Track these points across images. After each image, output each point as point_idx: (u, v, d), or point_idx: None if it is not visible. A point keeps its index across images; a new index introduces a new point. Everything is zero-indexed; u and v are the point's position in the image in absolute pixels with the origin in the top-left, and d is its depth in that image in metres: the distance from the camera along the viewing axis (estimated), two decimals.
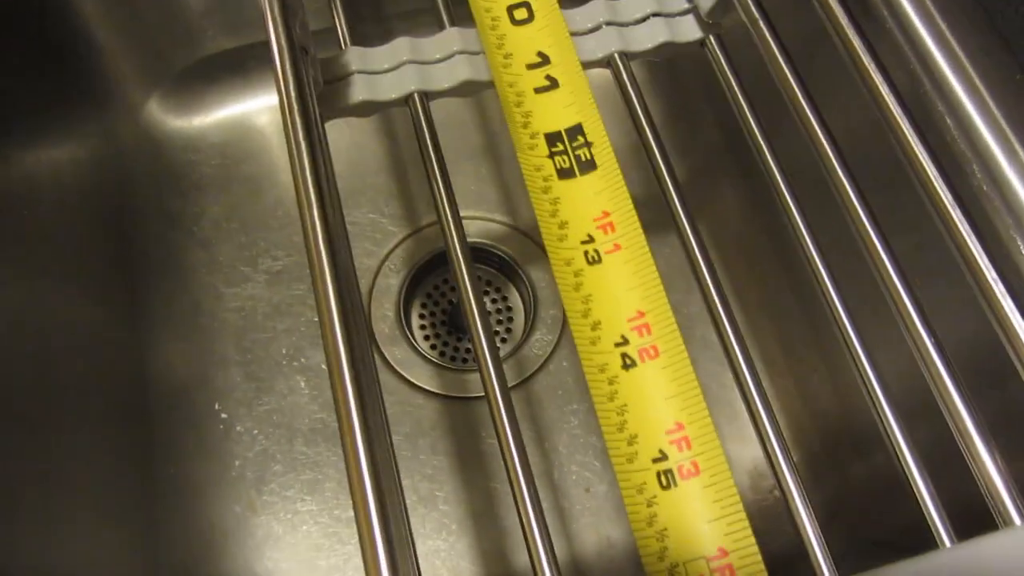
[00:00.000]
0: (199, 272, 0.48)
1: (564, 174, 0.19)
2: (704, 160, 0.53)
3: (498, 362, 0.26)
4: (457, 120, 0.53)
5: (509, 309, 0.50)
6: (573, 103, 0.20)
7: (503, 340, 0.49)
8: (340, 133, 0.52)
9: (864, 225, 0.27)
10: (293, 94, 0.23)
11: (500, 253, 0.50)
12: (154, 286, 0.47)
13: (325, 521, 0.42)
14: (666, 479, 0.17)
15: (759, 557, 0.17)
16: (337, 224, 0.24)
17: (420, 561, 0.42)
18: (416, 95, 0.30)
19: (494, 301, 0.50)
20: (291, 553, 0.42)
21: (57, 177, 0.45)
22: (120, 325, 0.44)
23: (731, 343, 0.28)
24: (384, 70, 0.31)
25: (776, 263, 0.49)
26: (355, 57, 0.31)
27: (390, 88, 0.30)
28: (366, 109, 0.30)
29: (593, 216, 0.18)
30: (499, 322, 0.50)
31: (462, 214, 0.51)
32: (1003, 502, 0.21)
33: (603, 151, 0.19)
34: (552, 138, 0.19)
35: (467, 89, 0.31)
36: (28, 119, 0.43)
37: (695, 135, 0.53)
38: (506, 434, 0.25)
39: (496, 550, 0.42)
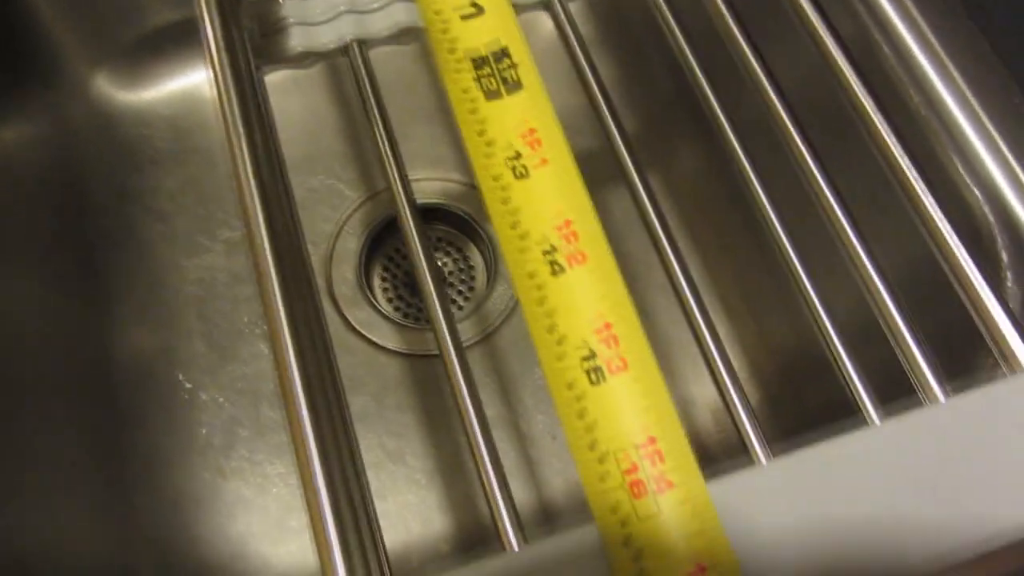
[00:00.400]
0: (158, 245, 0.48)
1: (491, 95, 0.19)
2: (659, 112, 0.53)
3: (449, 315, 0.26)
4: (407, 81, 0.53)
5: (471, 268, 0.50)
6: (498, 27, 0.20)
7: (466, 298, 0.49)
8: (293, 99, 0.52)
9: (808, 164, 0.27)
10: (220, 41, 0.23)
11: (459, 212, 0.50)
12: (112, 262, 0.47)
13: (295, 483, 0.43)
14: (595, 376, 0.18)
15: (686, 442, 0.18)
16: (272, 175, 0.25)
17: (392, 517, 0.43)
18: (355, 44, 0.30)
19: (456, 260, 0.51)
20: (262, 516, 0.42)
21: (6, 159, 0.44)
22: (80, 303, 0.44)
23: (682, 287, 0.29)
24: (321, 21, 0.31)
25: (733, 212, 0.49)
26: (292, 8, 0.31)
27: (327, 37, 0.30)
28: (303, 59, 0.30)
29: (520, 133, 0.19)
30: (461, 280, 0.50)
31: (419, 175, 0.51)
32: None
33: (528, 72, 0.19)
34: (479, 62, 0.20)
35: (405, 35, 0.31)
36: None
37: (647, 86, 0.53)
38: (459, 384, 0.26)
39: (466, 501, 0.42)
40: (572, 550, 0.18)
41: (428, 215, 0.51)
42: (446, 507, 0.42)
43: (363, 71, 0.30)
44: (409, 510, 0.42)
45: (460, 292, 0.50)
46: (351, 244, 0.48)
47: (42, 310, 0.41)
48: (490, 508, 0.25)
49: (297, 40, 0.30)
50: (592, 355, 0.18)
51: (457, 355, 0.26)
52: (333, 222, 0.49)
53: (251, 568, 0.41)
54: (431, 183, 0.51)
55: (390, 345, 0.46)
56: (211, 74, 0.24)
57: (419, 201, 0.51)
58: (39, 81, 0.48)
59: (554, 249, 0.18)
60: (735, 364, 0.29)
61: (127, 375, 0.44)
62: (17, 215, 0.43)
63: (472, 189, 0.51)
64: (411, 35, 0.30)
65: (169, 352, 0.45)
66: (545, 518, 0.42)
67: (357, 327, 0.46)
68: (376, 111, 0.29)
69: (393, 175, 0.26)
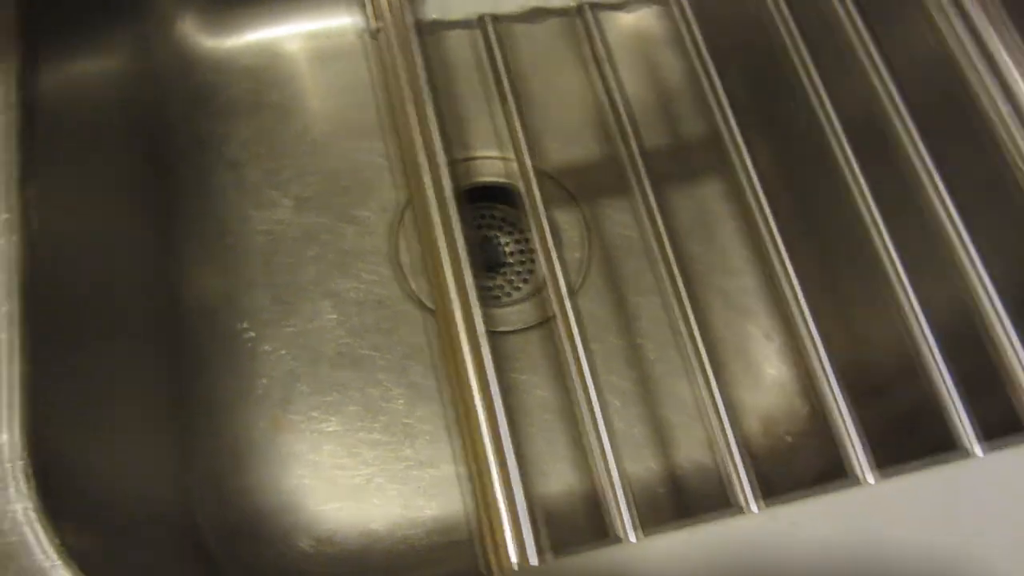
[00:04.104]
0: (228, 193, 0.48)
1: None
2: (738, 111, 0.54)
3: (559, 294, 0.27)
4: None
5: (531, 251, 0.51)
6: None
7: (524, 280, 0.50)
8: (365, 61, 0.52)
9: (919, 162, 0.28)
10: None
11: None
12: (183, 204, 0.47)
13: (349, 442, 0.43)
14: None
15: None
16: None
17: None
18: (487, 18, 0.31)
19: (517, 242, 0.51)
20: (314, 470, 0.43)
21: (90, 89, 0.44)
22: (154, 240, 0.44)
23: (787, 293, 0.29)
24: None
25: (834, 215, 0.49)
26: None
27: (463, 6, 0.31)
28: (433, 28, 0.31)
29: None
30: (521, 263, 0.51)
31: (485, 154, 0.51)
32: None
33: None
34: None
35: (537, 14, 0.31)
36: (65, 27, 0.42)
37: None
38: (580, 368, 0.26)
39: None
40: None
41: (491, 194, 0.51)
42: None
43: (493, 44, 0.30)
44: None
45: (519, 274, 0.50)
46: None
47: (125, 244, 0.41)
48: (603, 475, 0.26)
49: (431, 7, 0.30)
50: None
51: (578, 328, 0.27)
52: (405, 189, 0.49)
53: (300, 522, 0.42)
54: (497, 162, 0.51)
55: None
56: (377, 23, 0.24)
57: (485, 180, 0.52)
58: (127, 16, 0.48)
59: None
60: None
61: (193, 318, 0.44)
62: (100, 146, 0.43)
63: (541, 173, 0.51)
64: (541, 15, 0.31)
65: (233, 300, 0.45)
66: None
67: (422, 297, 0.47)
68: (505, 79, 0.29)
69: (522, 152, 0.27)
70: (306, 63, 0.52)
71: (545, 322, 0.48)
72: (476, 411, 0.28)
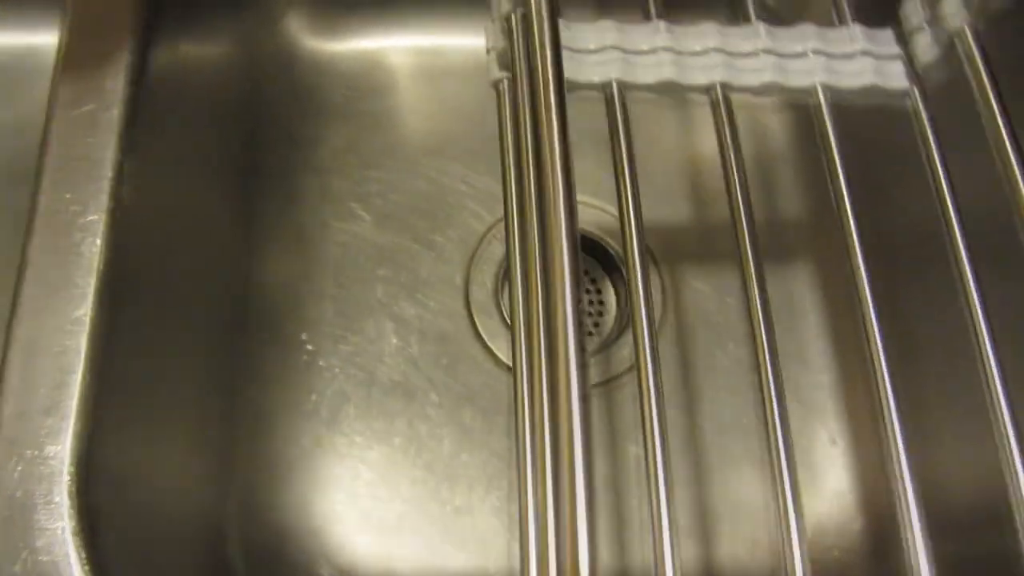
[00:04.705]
0: (310, 198, 0.47)
1: None
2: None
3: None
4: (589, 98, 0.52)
5: (601, 304, 0.49)
6: None
7: (589, 334, 0.48)
8: (466, 86, 0.51)
9: None
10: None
11: (607, 247, 0.49)
12: (266, 201, 0.47)
13: (389, 474, 0.42)
14: None
15: None
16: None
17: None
18: (615, 84, 0.29)
19: (588, 292, 0.50)
20: (349, 497, 0.42)
21: (192, 72, 0.44)
22: (233, 237, 0.44)
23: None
24: (590, 50, 0.30)
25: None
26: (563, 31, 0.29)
27: (592, 71, 0.29)
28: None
29: None
30: (589, 314, 0.49)
31: (580, 199, 0.50)
32: None
33: None
34: None
35: (667, 88, 0.30)
36: (181, 10, 0.42)
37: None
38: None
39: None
40: None
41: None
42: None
43: (617, 110, 0.29)
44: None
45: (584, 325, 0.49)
46: (497, 249, 0.48)
47: (207, 239, 0.40)
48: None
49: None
50: None
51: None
52: (484, 222, 0.48)
53: (326, 548, 0.41)
54: (588, 209, 0.50)
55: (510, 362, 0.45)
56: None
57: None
58: (239, 5, 0.48)
59: None
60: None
61: (257, 322, 0.44)
62: (198, 127, 0.42)
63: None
64: (674, 89, 0.29)
65: (299, 309, 0.45)
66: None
67: (484, 337, 0.45)
68: (625, 155, 0.28)
69: (627, 212, 0.26)
70: (408, 77, 0.51)
71: (604, 383, 0.46)
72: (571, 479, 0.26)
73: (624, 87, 0.29)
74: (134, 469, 0.31)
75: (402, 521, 0.41)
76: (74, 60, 0.34)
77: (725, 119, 0.30)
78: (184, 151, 0.39)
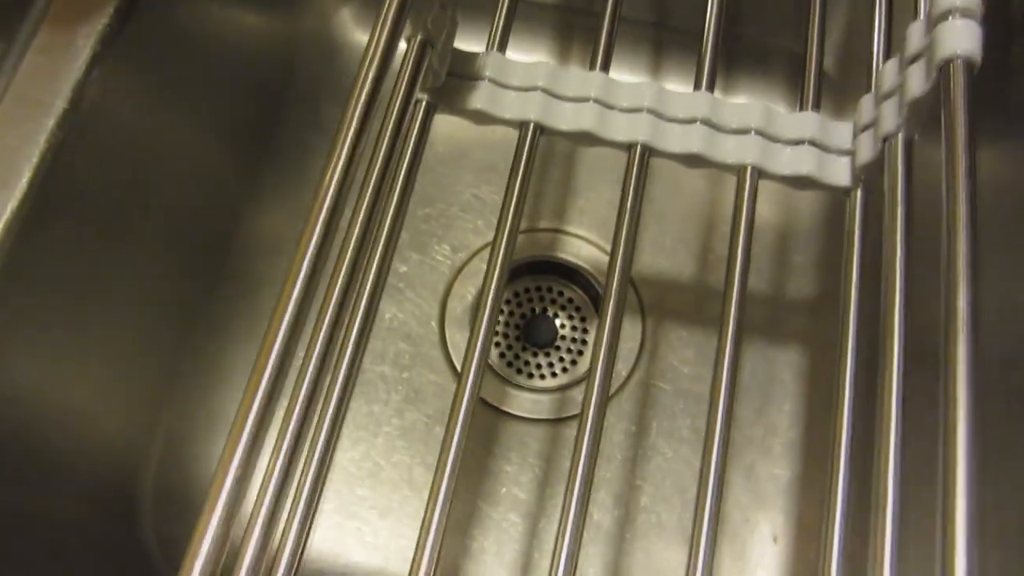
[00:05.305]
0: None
1: None
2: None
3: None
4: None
5: (584, 342, 0.49)
6: None
7: (564, 370, 0.48)
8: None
9: None
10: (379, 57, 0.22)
11: (596, 284, 0.48)
12: (278, 174, 0.49)
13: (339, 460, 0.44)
14: None
15: None
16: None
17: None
18: (532, 125, 0.29)
19: (573, 328, 0.49)
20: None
21: (233, 43, 0.46)
22: (239, 189, 0.46)
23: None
24: (514, 87, 0.30)
25: None
26: (491, 62, 0.30)
27: (511, 107, 0.29)
28: (478, 118, 0.30)
29: None
30: (568, 350, 0.48)
31: (580, 233, 0.50)
32: None
33: None
34: None
35: (585, 139, 0.29)
36: None
37: None
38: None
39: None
40: None
41: (566, 272, 0.49)
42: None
43: (524, 152, 0.29)
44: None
45: (561, 359, 0.48)
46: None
47: (206, 175, 0.43)
48: None
49: (480, 96, 0.29)
50: None
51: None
52: (461, 254, 0.49)
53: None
54: (586, 245, 0.49)
55: (489, 399, 0.45)
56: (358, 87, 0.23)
57: (564, 258, 0.50)
58: None
59: None
60: None
61: (234, 277, 0.46)
62: (223, 89, 0.45)
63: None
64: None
65: (279, 276, 0.47)
66: None
67: (448, 345, 0.46)
68: (516, 193, 0.28)
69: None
70: None
71: (559, 421, 0.45)
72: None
73: (540, 129, 0.29)
74: (45, 381, 0.33)
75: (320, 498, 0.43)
76: None
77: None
78: (190, 95, 0.41)
